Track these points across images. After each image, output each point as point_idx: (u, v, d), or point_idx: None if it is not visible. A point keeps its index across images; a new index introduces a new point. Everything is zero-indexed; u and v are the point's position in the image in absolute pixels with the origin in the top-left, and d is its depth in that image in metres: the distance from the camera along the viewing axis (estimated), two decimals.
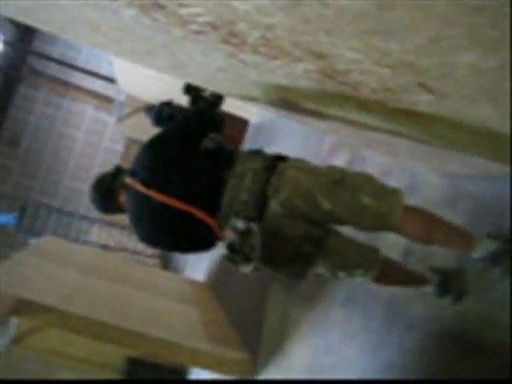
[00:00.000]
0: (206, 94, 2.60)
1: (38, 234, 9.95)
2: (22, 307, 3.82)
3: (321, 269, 2.22)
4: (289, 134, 5.55)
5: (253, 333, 4.48)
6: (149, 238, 2.32)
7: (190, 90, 2.55)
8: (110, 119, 13.40)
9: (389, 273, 2.32)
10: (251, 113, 7.22)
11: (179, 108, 3.42)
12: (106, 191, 2.36)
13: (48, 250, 5.62)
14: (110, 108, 13.04)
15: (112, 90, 12.72)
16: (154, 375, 5.31)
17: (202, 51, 1.71)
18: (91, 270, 5.47)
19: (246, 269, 2.08)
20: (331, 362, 3.13)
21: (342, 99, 1.77)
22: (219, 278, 6.25)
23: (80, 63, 13.89)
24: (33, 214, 10.90)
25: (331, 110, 2.09)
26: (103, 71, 13.66)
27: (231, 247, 2.13)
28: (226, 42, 1.48)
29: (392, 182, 2.47)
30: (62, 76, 13.93)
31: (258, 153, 2.25)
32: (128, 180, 2.27)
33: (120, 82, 9.32)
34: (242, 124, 7.72)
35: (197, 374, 5.00)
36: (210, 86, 2.42)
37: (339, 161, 3.95)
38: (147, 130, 10.00)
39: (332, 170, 2.18)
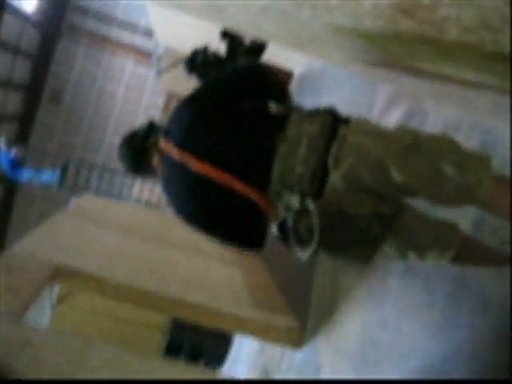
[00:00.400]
0: (246, 40, 2.27)
1: (80, 191, 9.90)
2: (62, 274, 3.67)
3: (388, 249, 1.90)
4: (338, 85, 5.15)
5: (300, 298, 4.24)
6: (182, 213, 2.03)
7: (226, 35, 2.22)
8: (150, 73, 13.15)
9: (467, 253, 1.97)
10: (295, 61, 6.80)
11: (214, 55, 3.08)
12: (138, 149, 2.08)
13: (87, 210, 5.49)
14: (149, 62, 12.80)
15: (151, 43, 12.43)
16: (197, 338, 5.19)
17: None
18: (132, 230, 5.31)
19: (303, 255, 1.79)
20: (388, 339, 2.86)
21: (418, 43, 1.43)
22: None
23: (118, 16, 13.62)
24: (75, 171, 10.86)
25: (400, 57, 1.75)
26: (141, 24, 13.37)
27: (283, 227, 1.86)
28: None
29: (460, 138, 2.12)
30: (101, 30, 13.72)
31: (314, 113, 1.90)
32: (161, 142, 1.98)
33: (158, 34, 9.04)
34: (285, 75, 7.32)
35: (241, 340, 4.83)
36: (251, 31, 2.10)
37: (395, 115, 3.58)
38: (187, 83, 9.78)
39: (403, 132, 1.84)
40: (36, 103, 13.63)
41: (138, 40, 13.64)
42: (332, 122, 1.84)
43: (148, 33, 12.26)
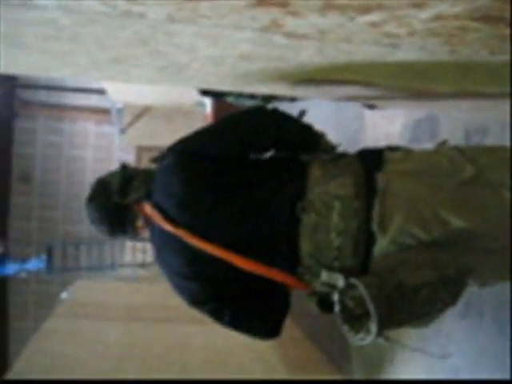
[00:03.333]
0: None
1: (71, 271, 9.41)
2: None
3: None
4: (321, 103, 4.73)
5: (340, 350, 3.76)
6: (184, 294, 1.57)
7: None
8: (114, 130, 12.78)
9: None
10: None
11: None
12: (115, 207, 1.61)
13: (81, 303, 5.00)
14: (110, 119, 12.43)
15: (107, 101, 12.07)
16: None
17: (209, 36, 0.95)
18: (134, 313, 4.82)
19: (365, 340, 1.33)
20: None
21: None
22: None
23: (69, 84, 13.29)
24: (61, 251, 10.33)
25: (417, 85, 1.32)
26: (93, 86, 13.03)
27: (324, 302, 1.41)
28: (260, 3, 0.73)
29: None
30: (55, 100, 13.36)
31: (338, 159, 1.47)
32: (146, 206, 1.55)
33: (110, 92, 8.68)
34: None
35: None
36: (226, 86, 1.65)
37: (396, 127, 3.15)
38: (154, 134, 9.43)
39: (456, 158, 1.42)
40: (6, 188, 13.18)
41: (94, 101, 13.27)
42: (365, 171, 1.41)
43: (102, 92, 11.94)
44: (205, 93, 1.84)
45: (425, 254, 1.39)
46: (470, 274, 1.41)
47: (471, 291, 2.33)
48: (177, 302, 5.11)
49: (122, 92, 8.15)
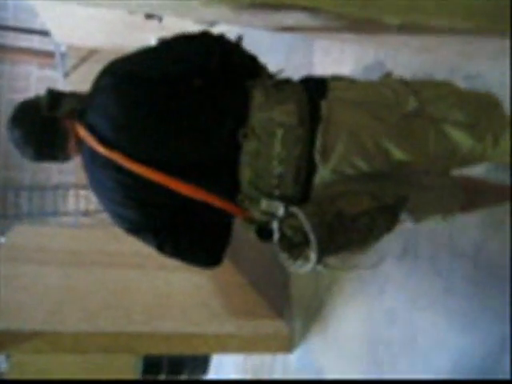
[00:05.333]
0: None
1: (11, 218, 9.13)
2: (5, 340, 3.10)
3: None
4: (270, 50, 4.65)
5: (280, 296, 3.81)
6: (121, 221, 1.50)
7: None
8: (58, 74, 12.28)
9: (472, 200, 1.70)
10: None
11: None
12: (43, 123, 1.47)
13: (21, 247, 4.87)
14: (53, 63, 11.91)
15: (50, 43, 11.54)
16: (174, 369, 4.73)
17: None
18: (76, 258, 4.74)
19: (304, 268, 1.35)
20: (401, 334, 2.46)
21: None
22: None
23: (9, 23, 12.61)
24: (1, 198, 10.02)
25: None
26: (36, 26, 12.40)
27: (263, 231, 1.43)
28: None
29: None
30: None
31: (281, 87, 1.40)
32: (77, 127, 1.44)
33: (55, 33, 8.30)
34: None
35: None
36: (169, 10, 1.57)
37: (346, 67, 3.13)
38: None
39: (400, 91, 1.41)
40: None
41: (36, 43, 12.67)
42: (309, 98, 1.38)
43: (45, 33, 11.40)
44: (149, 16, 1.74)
45: (364, 185, 1.40)
46: (407, 201, 1.44)
47: (407, 233, 2.40)
48: (118, 247, 5.05)
49: (66, 33, 7.81)
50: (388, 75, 1.51)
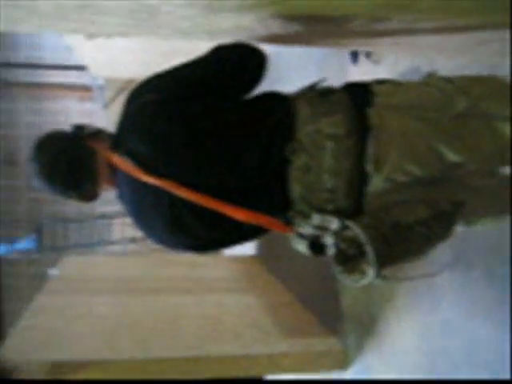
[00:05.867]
0: None
1: (61, 249, 9.34)
2: (59, 370, 3.14)
3: None
4: (298, 66, 4.64)
5: (331, 312, 3.75)
6: (181, 247, 1.49)
7: None
8: (97, 106, 12.57)
9: None
10: None
11: None
12: (71, 141, 1.41)
13: (71, 277, 4.95)
14: (92, 95, 12.21)
15: (88, 77, 11.85)
16: None
17: None
18: (126, 285, 4.78)
19: (362, 282, 1.33)
20: (458, 344, 2.38)
21: None
22: (273, 244, 5.19)
23: (47, 61, 13.01)
24: (51, 231, 10.25)
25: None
26: (73, 61, 12.77)
27: (317, 246, 1.40)
28: None
29: None
30: (35, 79, 13.06)
31: (326, 97, 1.37)
32: (112, 155, 1.37)
33: (92, 67, 8.52)
34: None
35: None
36: (203, 35, 1.57)
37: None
38: None
39: (448, 89, 1.37)
40: None
41: (74, 78, 13.01)
42: (355, 107, 1.34)
43: (82, 68, 11.71)
44: None
45: (418, 192, 1.36)
46: (463, 206, 1.39)
47: (458, 241, 2.32)
48: (167, 272, 5.09)
49: (102, 66, 8.02)
50: (431, 74, 1.47)
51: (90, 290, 4.51)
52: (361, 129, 1.31)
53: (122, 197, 1.44)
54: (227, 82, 1.39)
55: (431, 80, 1.44)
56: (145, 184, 1.32)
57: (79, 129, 1.46)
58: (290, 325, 3.87)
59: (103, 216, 11.01)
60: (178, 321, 3.89)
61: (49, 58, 13.05)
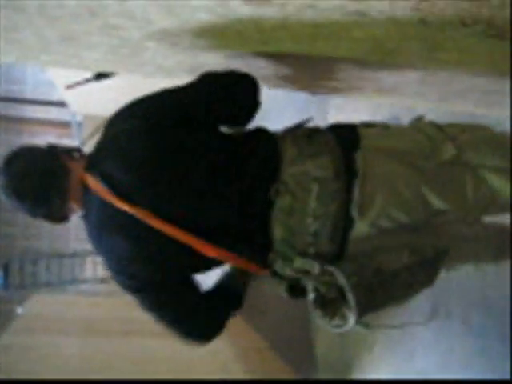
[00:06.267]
0: None
1: (29, 287, 9.10)
2: None
3: None
4: (281, 106, 4.66)
5: (304, 358, 3.67)
6: (125, 277, 1.39)
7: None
8: (74, 143, 12.52)
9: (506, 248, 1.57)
10: None
11: None
12: (43, 154, 1.36)
13: (39, 317, 4.79)
14: (70, 133, 12.16)
15: (67, 114, 11.82)
16: None
17: None
18: (93, 326, 4.65)
19: (342, 328, 1.31)
20: None
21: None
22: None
23: (28, 95, 12.96)
24: (18, 268, 10.00)
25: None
26: (53, 98, 12.74)
27: (296, 289, 1.36)
28: None
29: None
30: (15, 113, 12.99)
31: (311, 135, 1.35)
32: (89, 179, 1.31)
33: (72, 104, 8.50)
34: None
35: None
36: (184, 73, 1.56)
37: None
38: None
39: (436, 136, 1.37)
40: None
41: (54, 113, 12.97)
42: (342, 150, 1.32)
43: (62, 104, 11.69)
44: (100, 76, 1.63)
45: (402, 238, 1.35)
46: (447, 254, 1.38)
47: (437, 290, 2.30)
48: (137, 315, 4.94)
49: (82, 103, 7.98)
50: (419, 119, 1.47)
51: (58, 331, 4.37)
52: (347, 172, 1.29)
53: (86, 217, 1.37)
54: (216, 108, 1.35)
55: (420, 125, 1.44)
56: (115, 208, 1.27)
57: (54, 146, 1.41)
58: (260, 371, 3.78)
59: (75, 254, 10.81)
60: (146, 365, 3.78)
61: (30, 92, 13.04)
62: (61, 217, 1.42)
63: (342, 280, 1.23)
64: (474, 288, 2.14)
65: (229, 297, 1.45)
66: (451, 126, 1.44)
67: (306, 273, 1.31)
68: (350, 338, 3.09)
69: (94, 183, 1.30)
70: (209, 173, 1.30)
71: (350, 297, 1.23)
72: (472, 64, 1.28)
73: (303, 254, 1.30)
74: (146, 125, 1.31)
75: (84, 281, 9.96)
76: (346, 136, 1.36)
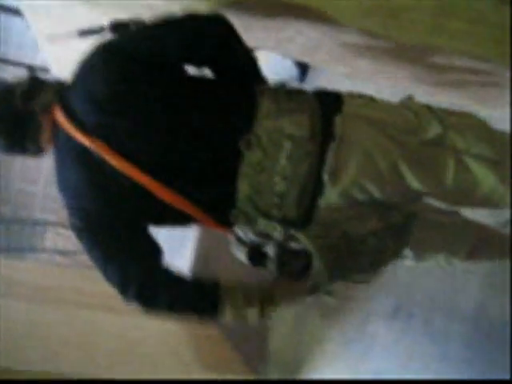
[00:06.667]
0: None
1: None
2: None
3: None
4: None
5: (256, 350, 3.59)
6: (80, 220, 1.31)
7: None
8: None
9: (480, 247, 1.54)
10: None
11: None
12: (16, 115, 1.32)
13: None
14: None
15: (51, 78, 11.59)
16: None
17: None
18: (44, 294, 4.49)
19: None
20: None
21: None
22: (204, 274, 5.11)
23: (11, 57, 12.69)
24: None
25: None
26: (38, 61, 12.48)
27: (255, 253, 1.29)
28: None
29: None
30: None
31: (295, 97, 1.28)
32: (57, 112, 1.28)
33: (54, 67, 8.29)
34: None
35: None
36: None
37: None
38: None
39: (423, 113, 1.29)
40: None
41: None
42: (323, 112, 1.24)
43: (46, 70, 11.44)
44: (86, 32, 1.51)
45: (370, 209, 1.27)
46: (415, 218, 1.32)
47: (401, 289, 2.24)
48: (92, 289, 4.79)
49: (64, 68, 7.78)
50: (410, 98, 1.38)
51: (9, 294, 4.22)
52: (324, 134, 1.21)
53: (56, 153, 1.34)
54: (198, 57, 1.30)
55: (409, 103, 1.35)
56: (74, 140, 1.24)
57: (30, 86, 1.35)
58: (210, 359, 3.69)
59: (36, 222, 10.63)
60: (94, 337, 3.66)
61: (13, 54, 12.76)
62: (36, 152, 1.39)
63: (304, 241, 1.16)
64: (440, 290, 2.07)
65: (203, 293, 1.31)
66: (441, 109, 1.35)
67: (268, 238, 1.24)
68: (306, 332, 3.02)
69: (61, 117, 1.27)
70: (173, 109, 1.24)
71: (315, 260, 1.16)
72: (476, 43, 1.20)
73: (267, 216, 1.22)
74: (124, 58, 1.25)
75: (43, 250, 9.78)
76: (329, 100, 1.29)
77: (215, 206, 1.27)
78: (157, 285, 1.30)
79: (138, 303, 1.31)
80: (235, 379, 3.39)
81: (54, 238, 10.19)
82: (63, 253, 9.43)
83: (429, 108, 1.32)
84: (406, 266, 1.56)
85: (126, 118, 1.23)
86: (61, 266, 8.09)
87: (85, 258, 1.57)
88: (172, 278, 1.32)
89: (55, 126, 1.30)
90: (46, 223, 10.45)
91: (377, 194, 1.23)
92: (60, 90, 1.32)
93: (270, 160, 1.19)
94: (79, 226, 1.31)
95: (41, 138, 1.33)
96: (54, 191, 1.48)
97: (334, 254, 1.20)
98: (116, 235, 1.28)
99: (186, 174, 1.24)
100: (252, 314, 1.26)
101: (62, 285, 4.98)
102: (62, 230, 10.05)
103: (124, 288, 1.29)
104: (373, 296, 2.36)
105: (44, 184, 11.21)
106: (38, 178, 12.07)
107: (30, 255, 9.72)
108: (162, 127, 1.23)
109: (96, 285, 4.82)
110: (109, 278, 1.30)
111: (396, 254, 1.34)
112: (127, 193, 1.25)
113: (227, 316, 1.27)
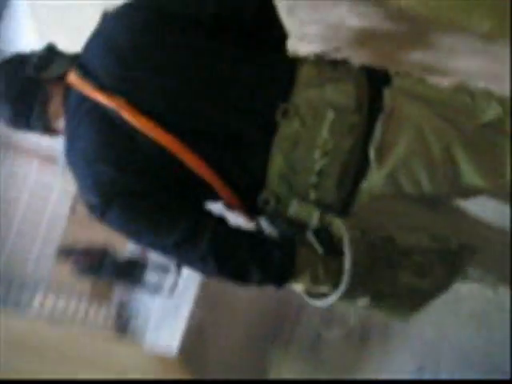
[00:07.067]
0: None
1: None
2: None
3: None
4: None
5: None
6: (96, 188, 1.16)
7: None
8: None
9: None
10: None
11: None
12: (26, 83, 1.23)
13: None
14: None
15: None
16: None
17: None
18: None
19: (324, 301, 1.08)
20: None
21: None
22: (199, 342, 4.52)
23: (4, 54, 12.71)
24: None
25: None
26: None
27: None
28: None
29: None
30: None
31: (336, 63, 1.16)
32: (73, 77, 1.18)
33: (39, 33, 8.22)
34: None
35: None
36: None
37: None
38: None
39: (480, 94, 1.16)
40: None
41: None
42: (370, 83, 1.13)
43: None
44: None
45: (421, 216, 1.14)
46: (474, 253, 1.14)
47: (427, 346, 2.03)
48: (76, 351, 4.43)
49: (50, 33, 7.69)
50: (463, 82, 1.26)
51: None
52: (371, 108, 1.09)
53: (68, 122, 1.22)
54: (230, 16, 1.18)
55: (462, 85, 1.23)
56: (92, 102, 1.13)
57: (45, 56, 1.25)
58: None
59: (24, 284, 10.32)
60: None
61: (6, 51, 12.85)
62: (43, 129, 1.28)
63: (342, 230, 1.02)
64: (471, 345, 1.88)
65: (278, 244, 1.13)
66: (496, 93, 1.22)
67: (300, 226, 1.09)
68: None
69: (74, 78, 1.17)
70: (205, 70, 1.12)
71: (347, 250, 1.00)
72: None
73: (302, 198, 1.08)
74: (151, 16, 1.16)
75: (30, 309, 9.43)
76: (377, 74, 1.18)
77: (243, 184, 1.13)
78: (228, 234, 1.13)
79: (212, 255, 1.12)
80: (231, 379, 3.18)
81: (44, 297, 9.83)
82: (50, 317, 9.07)
83: (484, 89, 1.20)
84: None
85: (152, 73, 1.12)
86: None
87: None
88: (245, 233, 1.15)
89: (68, 90, 1.20)
90: (36, 285, 10.12)
91: (425, 181, 1.09)
92: (75, 59, 1.24)
93: (309, 132, 1.07)
94: (94, 205, 1.16)
95: (49, 108, 1.23)
96: None
97: (371, 255, 1.04)
98: (143, 201, 1.13)
99: (213, 142, 1.11)
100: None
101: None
102: (51, 295, 9.72)
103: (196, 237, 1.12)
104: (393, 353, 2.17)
105: None
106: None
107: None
108: (189, 88, 1.11)
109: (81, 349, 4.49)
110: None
111: (442, 288, 1.14)
112: (150, 156, 1.11)
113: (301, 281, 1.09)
